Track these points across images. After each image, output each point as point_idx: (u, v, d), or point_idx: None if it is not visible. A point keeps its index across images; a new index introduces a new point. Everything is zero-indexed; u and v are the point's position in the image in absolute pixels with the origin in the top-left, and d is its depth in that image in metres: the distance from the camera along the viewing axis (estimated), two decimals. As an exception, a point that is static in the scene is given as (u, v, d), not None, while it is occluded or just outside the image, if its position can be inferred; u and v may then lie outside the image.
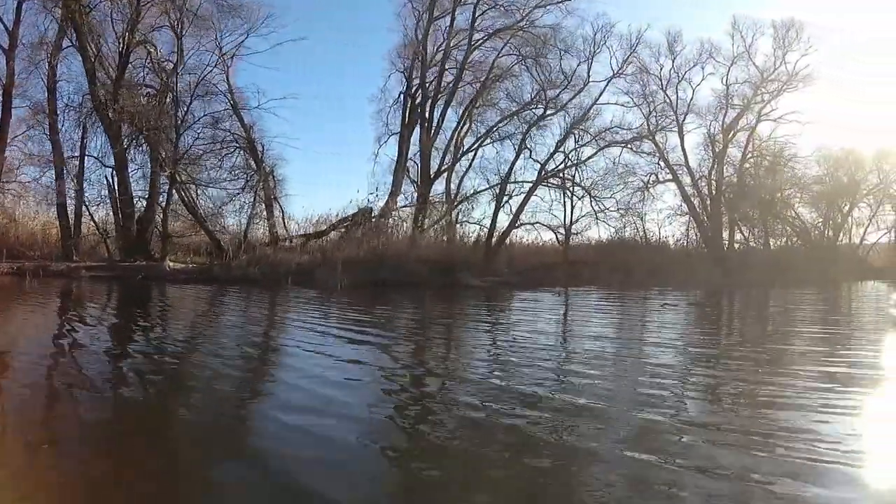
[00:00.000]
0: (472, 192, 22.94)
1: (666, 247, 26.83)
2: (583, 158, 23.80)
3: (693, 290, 22.01)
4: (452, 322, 11.53)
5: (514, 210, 23.39)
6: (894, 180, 31.38)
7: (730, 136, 27.37)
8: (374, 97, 27.25)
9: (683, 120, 27.39)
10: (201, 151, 23.37)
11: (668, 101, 27.07)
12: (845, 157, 31.97)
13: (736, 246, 28.99)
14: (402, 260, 19.36)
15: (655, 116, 27.59)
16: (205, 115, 22.89)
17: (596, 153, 23.82)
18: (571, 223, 24.18)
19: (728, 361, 7.09)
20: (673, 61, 26.88)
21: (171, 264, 20.17)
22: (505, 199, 22.39)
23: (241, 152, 25.91)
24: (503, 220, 23.38)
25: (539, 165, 22.81)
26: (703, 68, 27.50)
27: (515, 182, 22.73)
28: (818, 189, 32.05)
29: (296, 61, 45.60)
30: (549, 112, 22.29)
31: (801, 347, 8.34)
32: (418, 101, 24.60)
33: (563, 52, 22.39)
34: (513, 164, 22.45)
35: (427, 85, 23.46)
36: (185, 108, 24.46)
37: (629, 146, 24.29)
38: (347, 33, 47.07)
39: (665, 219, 28.02)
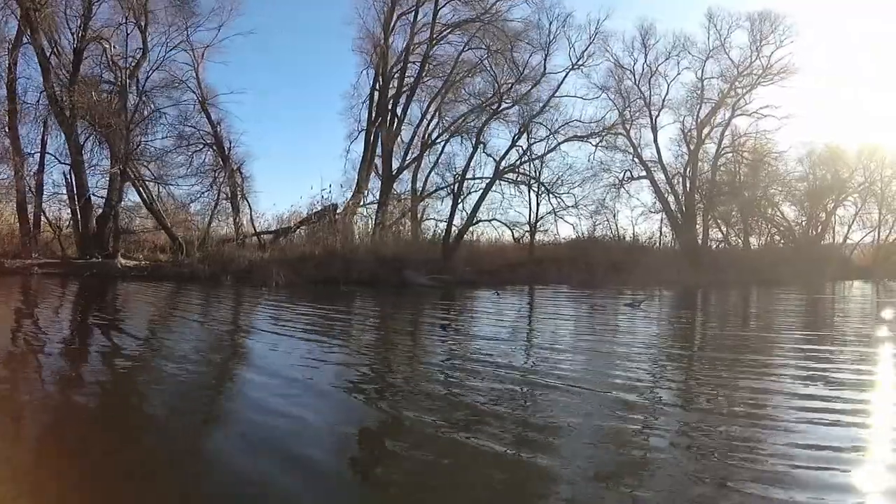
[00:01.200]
0: (433, 188, 22.45)
1: (639, 245, 26.21)
2: (539, 154, 23.17)
3: (660, 289, 21.58)
4: (347, 321, 11.11)
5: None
6: (879, 178, 30.58)
7: (704, 131, 26.75)
8: (347, 94, 26.94)
9: (658, 115, 26.87)
10: (158, 148, 23.03)
11: (641, 95, 26.55)
12: (829, 154, 31.25)
13: (713, 244, 28.40)
14: (352, 257, 19.00)
15: (630, 112, 27.12)
16: (156, 110, 22.56)
17: (554, 148, 23.27)
18: (536, 220, 23.69)
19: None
20: (646, 55, 26.37)
21: (123, 262, 19.95)
22: (463, 196, 21.91)
23: (208, 149, 25.90)
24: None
25: (496, 162, 22.19)
26: (678, 63, 26.97)
27: (474, 178, 22.30)
28: (802, 187, 31.39)
29: (264, 58, 45.13)
30: (504, 106, 21.76)
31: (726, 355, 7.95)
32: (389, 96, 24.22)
33: (528, 46, 21.76)
34: (469, 160, 22.01)
35: (390, 80, 23.04)
36: (151, 105, 24.51)
37: (588, 140, 23.59)
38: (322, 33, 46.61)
39: (639, 216, 27.45)
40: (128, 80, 22.90)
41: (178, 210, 24.46)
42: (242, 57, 39.70)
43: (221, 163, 25.18)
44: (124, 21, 23.18)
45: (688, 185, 26.90)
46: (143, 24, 23.80)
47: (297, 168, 49.11)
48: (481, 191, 21.79)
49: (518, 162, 22.59)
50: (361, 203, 24.29)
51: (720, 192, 27.49)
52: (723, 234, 29.33)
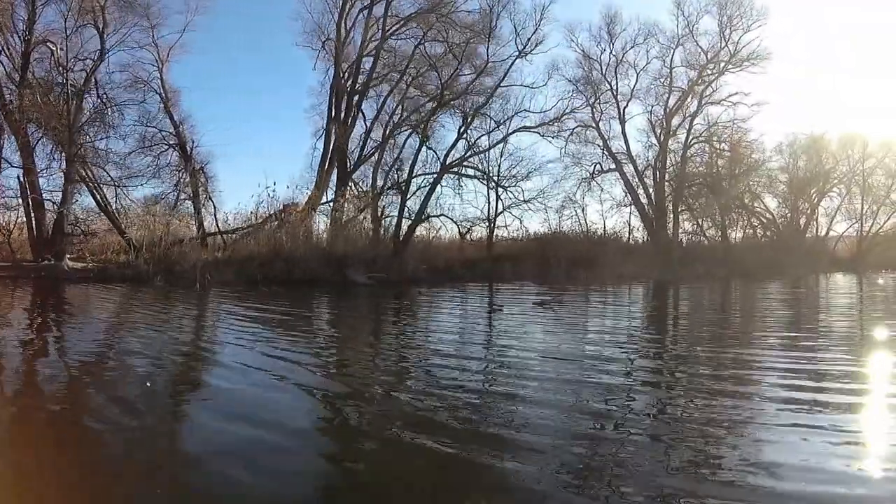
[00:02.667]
0: (386, 185, 21.94)
1: (605, 239, 25.51)
2: (495, 147, 22.57)
3: (625, 285, 20.97)
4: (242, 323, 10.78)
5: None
6: (861, 169, 29.46)
7: (674, 121, 25.99)
8: (314, 90, 26.59)
9: (626, 106, 26.19)
10: (117, 150, 22.93)
11: (608, 86, 25.90)
12: (812, 144, 30.24)
13: (687, 238, 27.65)
14: (296, 256, 18.73)
15: (599, 103, 26.50)
16: (101, 111, 22.41)
17: (502, 140, 22.69)
18: (495, 216, 23.15)
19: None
20: (612, 44, 25.68)
21: (70, 264, 19.91)
22: (412, 192, 21.41)
23: (172, 150, 25.83)
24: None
25: (443, 155, 21.69)
26: (647, 52, 26.24)
27: (425, 174, 21.80)
28: (784, 178, 30.49)
29: (231, 56, 44.94)
30: (446, 99, 21.13)
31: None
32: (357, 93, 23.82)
33: (481, 37, 21.06)
34: (416, 155, 21.49)
35: (344, 76, 22.62)
36: (112, 107, 24.48)
37: (537, 131, 22.91)
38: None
39: (607, 210, 26.77)
40: (83, 82, 22.95)
41: (142, 211, 24.40)
42: (208, 56, 39.49)
43: (183, 163, 25.11)
44: (78, 23, 23.19)
45: (657, 176, 26.15)
46: (100, 25, 23.80)
47: (270, 167, 49.22)
48: (431, 187, 21.21)
49: (465, 155, 22.03)
50: (324, 201, 24.03)
51: (693, 184, 26.69)
52: (699, 227, 28.50)
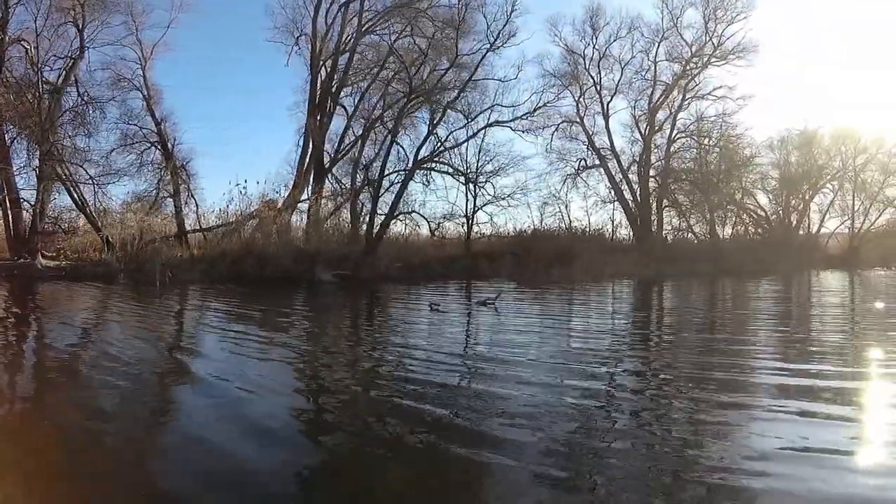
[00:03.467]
0: (364, 183, 21.66)
1: (586, 236, 25.13)
2: (478, 143, 22.30)
3: (600, 282, 20.62)
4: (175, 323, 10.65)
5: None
6: (853, 165, 28.81)
7: (658, 116, 25.55)
8: (300, 88, 26.35)
9: (610, 101, 25.81)
10: (96, 148, 22.90)
11: (592, 80, 25.52)
12: (804, 139, 29.66)
13: (673, 234, 27.20)
14: (267, 254, 18.59)
15: (584, 98, 26.18)
16: (75, 108, 22.35)
17: (474, 135, 22.44)
18: (474, 213, 22.86)
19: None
20: (595, 38, 25.29)
21: (43, 262, 19.89)
22: (383, 189, 21.14)
23: (154, 148, 25.76)
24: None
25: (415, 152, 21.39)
26: (632, 46, 25.84)
27: (397, 172, 21.54)
28: (776, 174, 29.97)
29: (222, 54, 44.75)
30: (415, 94, 20.79)
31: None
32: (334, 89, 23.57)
33: (456, 31, 20.70)
34: (387, 153, 21.22)
35: (320, 72, 22.39)
36: (93, 105, 24.46)
37: (509, 125, 22.52)
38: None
39: (591, 206, 26.39)
40: (62, 80, 22.97)
41: (122, 209, 24.37)
42: (205, 55, 39.46)
43: (164, 161, 25.05)
44: (57, 21, 23.17)
45: (642, 172, 25.75)
46: (80, 24, 23.81)
47: (267, 166, 49.24)
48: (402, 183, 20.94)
49: (436, 151, 21.73)
50: (304, 198, 23.86)
51: (677, 180, 26.26)
52: (686, 223, 28.04)
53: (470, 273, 21.52)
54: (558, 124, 26.53)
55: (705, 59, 24.42)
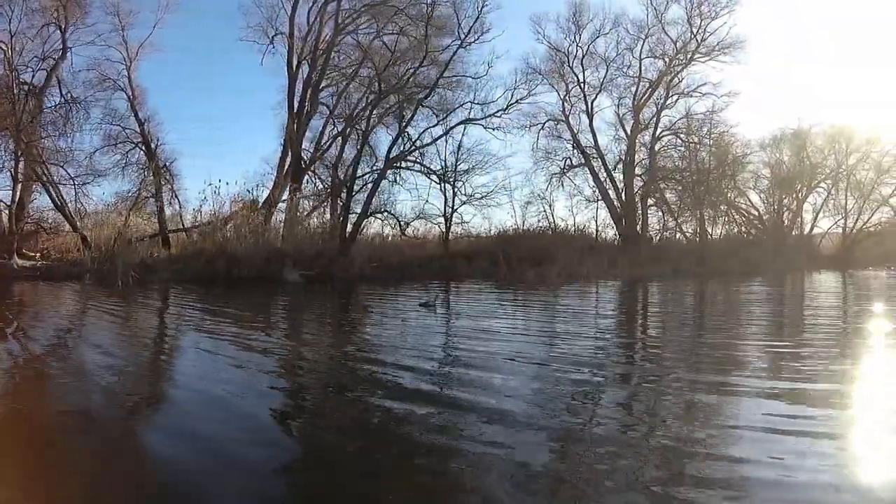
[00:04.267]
0: (343, 182, 21.45)
1: (573, 236, 24.79)
2: (430, 140, 21.98)
3: (581, 281, 20.33)
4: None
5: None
6: (845, 165, 28.20)
7: (645, 114, 25.20)
8: (284, 87, 26.19)
9: (594, 99, 25.51)
10: (76, 148, 22.97)
11: (575, 78, 25.24)
12: (797, 138, 29.14)
13: (658, 235, 26.80)
14: (239, 254, 18.52)
15: (568, 97, 25.92)
16: (57, 106, 22.39)
17: (444, 134, 22.14)
18: (452, 212, 22.63)
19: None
20: (579, 35, 25.00)
21: (19, 262, 19.93)
22: (356, 189, 20.91)
23: (138, 148, 25.77)
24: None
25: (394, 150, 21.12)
26: (618, 43, 25.52)
27: (370, 171, 21.33)
28: (767, 173, 29.50)
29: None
30: (384, 94, 20.54)
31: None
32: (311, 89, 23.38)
33: (425, 27, 20.30)
34: (359, 153, 20.94)
35: (296, 72, 22.26)
36: (76, 105, 24.54)
37: (481, 123, 22.26)
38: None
39: (575, 205, 26.05)
40: (44, 80, 23.10)
41: (103, 209, 24.41)
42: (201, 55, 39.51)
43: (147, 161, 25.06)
44: (39, 23, 23.28)
45: (626, 171, 25.41)
46: (62, 25, 23.91)
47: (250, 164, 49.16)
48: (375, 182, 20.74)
49: (408, 150, 21.50)
50: (285, 198, 23.74)
51: (664, 178, 25.89)
52: (675, 223, 27.62)
53: (448, 273, 21.33)
54: (544, 123, 26.38)
55: (689, 56, 24.05)
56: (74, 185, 23.41)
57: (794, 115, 32.54)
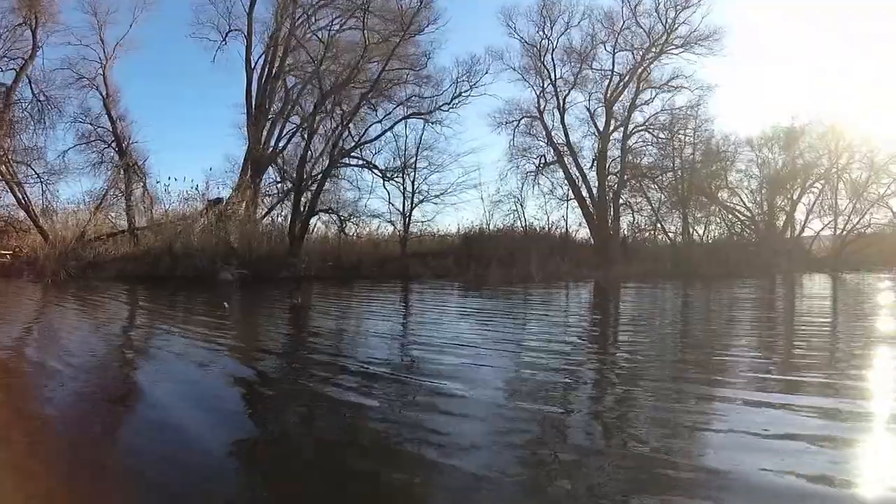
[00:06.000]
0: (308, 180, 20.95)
1: (541, 235, 23.91)
2: (373, 136, 21.46)
3: (547, 282, 19.49)
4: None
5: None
6: (845, 163, 26.53)
7: (614, 110, 24.14)
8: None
9: (567, 94, 24.59)
10: (36, 145, 23.20)
11: (547, 73, 24.38)
12: (789, 136, 27.62)
13: (634, 234, 25.67)
14: (181, 252, 18.35)
15: (544, 92, 25.11)
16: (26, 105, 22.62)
17: (388, 130, 21.55)
18: (411, 210, 22.06)
19: None
20: (549, 29, 24.12)
21: (-15, 259, 20.19)
22: (305, 187, 20.44)
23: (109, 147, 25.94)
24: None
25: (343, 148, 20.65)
26: (592, 38, 24.56)
27: (317, 170, 20.85)
28: (756, 173, 28.09)
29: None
30: (327, 90, 19.99)
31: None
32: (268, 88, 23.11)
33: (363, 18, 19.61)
34: (305, 151, 20.49)
35: (252, 66, 21.94)
36: (49, 105, 24.84)
37: (424, 117, 21.53)
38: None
39: (546, 203, 25.15)
40: (13, 80, 23.40)
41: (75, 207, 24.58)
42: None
43: (118, 159, 25.21)
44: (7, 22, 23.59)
45: (599, 168, 24.43)
46: (32, 24, 24.19)
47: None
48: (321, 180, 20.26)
49: (351, 147, 20.97)
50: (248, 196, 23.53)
51: (640, 175, 24.81)
52: (655, 222, 26.43)
53: (405, 273, 20.79)
54: (519, 120, 25.67)
55: (660, 48, 22.93)
56: (42, 183, 23.80)
57: (792, 114, 30.94)
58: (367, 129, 21.20)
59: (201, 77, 44.40)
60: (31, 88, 24.53)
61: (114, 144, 25.50)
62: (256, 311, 11.41)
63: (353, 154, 20.99)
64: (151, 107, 39.04)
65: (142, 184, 25.00)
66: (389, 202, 21.75)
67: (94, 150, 25.68)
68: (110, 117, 25.44)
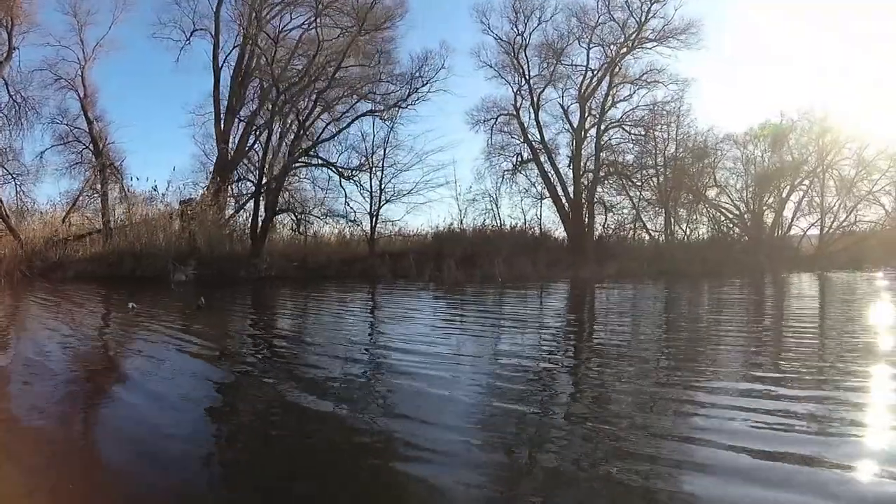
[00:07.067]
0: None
1: (513, 234, 23.46)
2: (331, 134, 21.15)
3: (514, 283, 19.10)
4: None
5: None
6: (833, 160, 25.61)
7: (588, 106, 23.59)
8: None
9: (542, 91, 24.12)
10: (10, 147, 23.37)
11: (521, 69, 23.93)
12: (776, 133, 26.81)
13: (610, 233, 25.08)
14: (141, 253, 18.33)
15: (521, 90, 24.68)
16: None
17: (345, 127, 21.22)
18: (378, 210, 21.76)
19: None
20: (522, 24, 23.66)
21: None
22: (265, 187, 20.24)
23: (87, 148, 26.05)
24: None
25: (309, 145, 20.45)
26: (569, 33, 24.05)
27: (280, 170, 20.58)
28: (740, 170, 27.32)
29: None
30: (282, 89, 19.68)
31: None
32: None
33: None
34: (264, 151, 20.30)
35: (219, 66, 21.79)
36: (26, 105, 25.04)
37: (378, 114, 21.19)
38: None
39: (521, 203, 24.72)
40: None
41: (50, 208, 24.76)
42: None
43: (94, 159, 25.33)
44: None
45: (574, 166, 23.93)
46: (8, 26, 24.37)
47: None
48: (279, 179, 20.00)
49: (312, 145, 20.69)
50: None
51: (617, 173, 24.25)
52: (634, 221, 25.84)
53: (372, 274, 20.54)
54: (496, 118, 25.29)
55: (633, 42, 22.34)
56: (16, 183, 23.98)
57: (781, 110, 29.90)
58: (325, 128, 20.95)
59: (182, 77, 44.37)
60: (8, 90, 24.74)
61: (90, 145, 25.70)
62: (154, 313, 10.57)
63: (311, 153, 20.70)
64: (136, 107, 39.16)
65: (118, 184, 25.22)
66: (346, 202, 21.35)
67: (74, 150, 25.92)
68: (87, 118, 25.57)
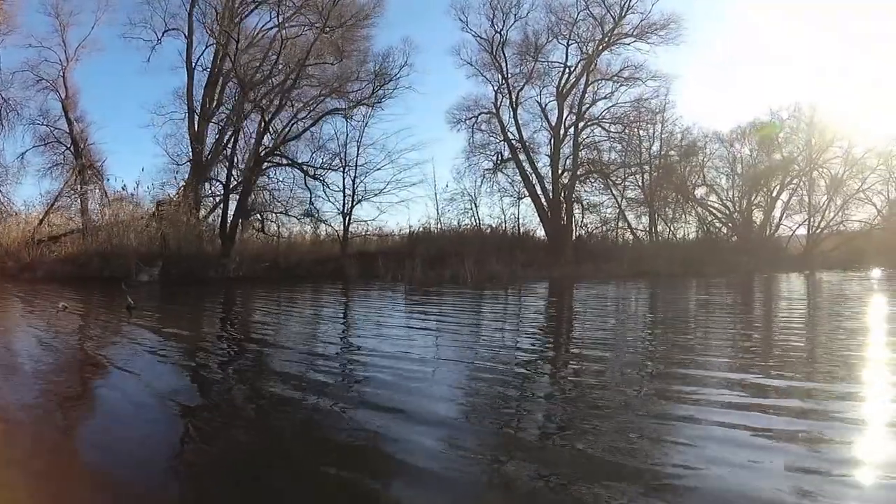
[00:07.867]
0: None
1: (488, 234, 23.17)
2: (297, 133, 20.93)
3: (481, 283, 18.79)
4: None
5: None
6: (823, 159, 25.02)
7: (566, 103, 23.24)
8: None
9: (521, 89, 23.80)
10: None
11: (499, 67, 23.64)
12: (765, 131, 26.25)
13: (596, 232, 24.72)
14: (110, 253, 18.34)
15: (501, 88, 24.41)
16: None
17: (311, 126, 21.02)
18: (351, 209, 21.61)
19: None
20: (497, 20, 23.35)
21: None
22: (236, 186, 20.20)
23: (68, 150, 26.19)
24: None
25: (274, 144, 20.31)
26: (549, 30, 23.71)
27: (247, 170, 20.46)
28: (727, 169, 26.82)
29: None
30: (248, 87, 19.57)
31: None
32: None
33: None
34: (232, 151, 20.19)
35: (192, 65, 21.70)
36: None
37: (343, 112, 20.98)
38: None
39: (502, 202, 24.46)
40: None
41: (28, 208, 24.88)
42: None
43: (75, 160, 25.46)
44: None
45: (553, 164, 23.61)
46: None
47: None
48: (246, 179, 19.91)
49: (276, 145, 20.54)
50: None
51: (597, 171, 23.87)
52: (617, 220, 25.47)
53: (343, 275, 20.40)
54: (477, 116, 25.08)
55: (609, 38, 21.94)
56: (-3, 185, 24.15)
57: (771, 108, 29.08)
58: (290, 127, 20.75)
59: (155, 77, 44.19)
60: (-12, 92, 24.91)
61: (71, 146, 25.83)
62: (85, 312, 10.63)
63: (277, 152, 20.58)
64: (120, 108, 39.26)
65: (98, 185, 25.32)
66: (311, 201, 21.19)
67: (55, 151, 26.07)
68: (68, 119, 25.72)
